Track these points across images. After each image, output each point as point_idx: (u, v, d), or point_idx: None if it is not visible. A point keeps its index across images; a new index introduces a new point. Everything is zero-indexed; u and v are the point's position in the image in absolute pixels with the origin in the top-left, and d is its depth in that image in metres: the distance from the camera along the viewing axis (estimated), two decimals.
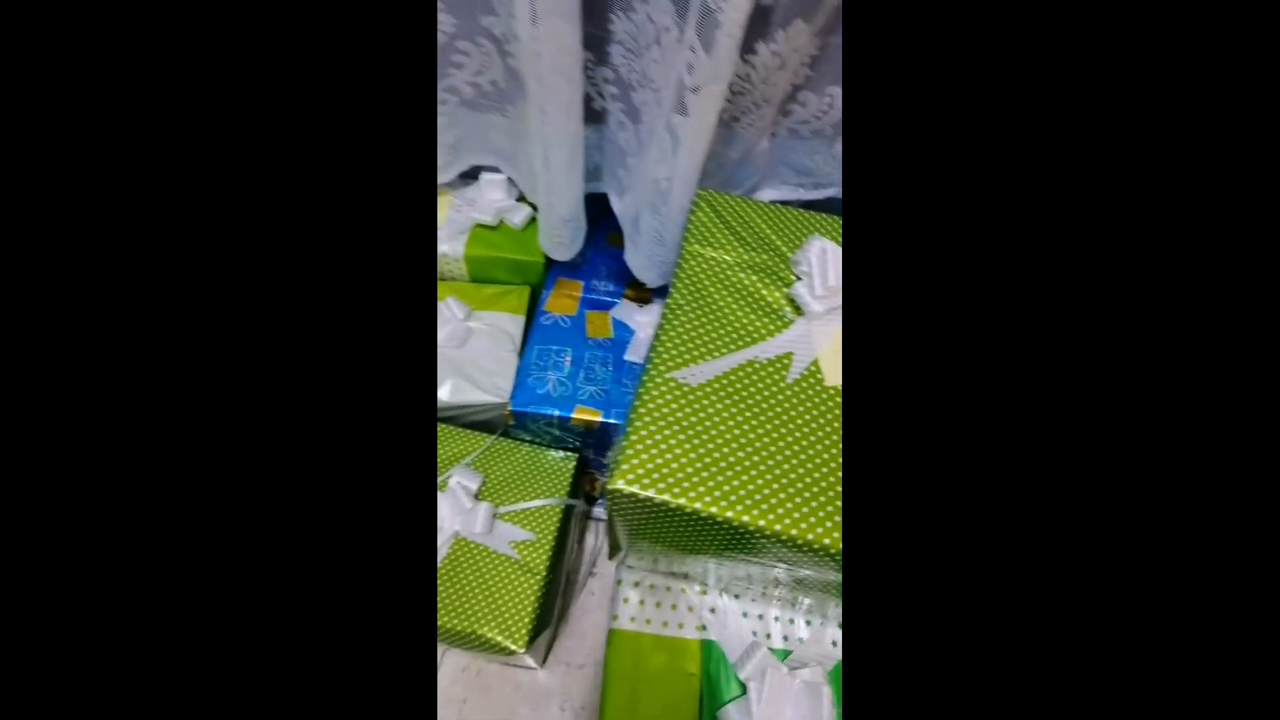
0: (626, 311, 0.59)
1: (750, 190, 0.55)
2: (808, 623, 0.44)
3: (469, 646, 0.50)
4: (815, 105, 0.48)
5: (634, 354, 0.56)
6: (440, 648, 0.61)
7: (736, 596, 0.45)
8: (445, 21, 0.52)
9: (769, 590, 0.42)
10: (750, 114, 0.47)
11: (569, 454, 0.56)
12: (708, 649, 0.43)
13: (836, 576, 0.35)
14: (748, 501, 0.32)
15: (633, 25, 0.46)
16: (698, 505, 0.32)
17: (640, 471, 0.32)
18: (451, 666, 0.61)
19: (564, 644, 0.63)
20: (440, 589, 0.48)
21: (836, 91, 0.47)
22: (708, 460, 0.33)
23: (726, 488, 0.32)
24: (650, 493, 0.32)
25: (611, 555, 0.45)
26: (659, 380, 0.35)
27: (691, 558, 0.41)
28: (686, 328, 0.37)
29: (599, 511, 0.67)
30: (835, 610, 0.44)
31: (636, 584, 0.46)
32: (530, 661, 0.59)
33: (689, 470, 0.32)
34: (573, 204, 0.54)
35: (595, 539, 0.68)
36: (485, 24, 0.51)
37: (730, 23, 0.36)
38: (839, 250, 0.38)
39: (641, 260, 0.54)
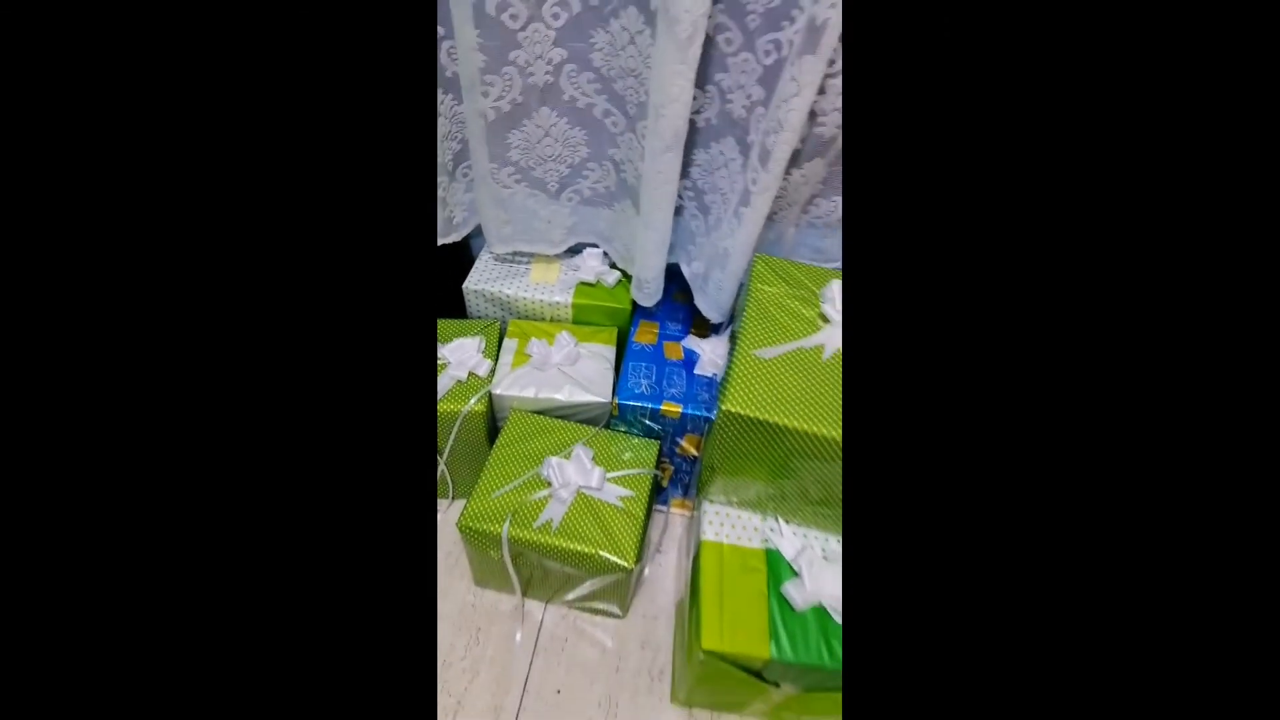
0: (693, 342, 0.82)
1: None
2: (840, 540, 0.63)
3: (585, 569, 0.67)
4: (825, 207, 0.74)
5: (701, 370, 0.78)
6: (541, 605, 0.77)
7: (788, 521, 0.64)
8: (581, 150, 0.78)
9: (811, 513, 0.62)
10: (783, 211, 0.73)
11: (653, 440, 0.76)
12: (770, 553, 0.61)
13: None
14: (811, 419, 0.53)
15: (708, 156, 0.72)
16: (775, 419, 0.53)
17: (740, 402, 0.53)
18: (553, 615, 0.77)
19: (639, 601, 0.79)
20: (568, 526, 0.67)
21: (839, 199, 0.73)
22: (780, 398, 0.54)
23: (794, 412, 0.53)
24: (747, 411, 0.53)
25: (700, 491, 0.64)
26: (744, 354, 0.57)
27: (759, 484, 0.61)
28: (758, 329, 0.59)
29: (660, 508, 0.86)
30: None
31: (717, 513, 0.65)
32: (616, 610, 0.76)
33: (769, 401, 0.53)
34: (658, 269, 0.78)
35: (663, 525, 0.86)
36: (610, 153, 0.77)
37: (780, 157, 0.62)
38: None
39: (708, 304, 0.78)
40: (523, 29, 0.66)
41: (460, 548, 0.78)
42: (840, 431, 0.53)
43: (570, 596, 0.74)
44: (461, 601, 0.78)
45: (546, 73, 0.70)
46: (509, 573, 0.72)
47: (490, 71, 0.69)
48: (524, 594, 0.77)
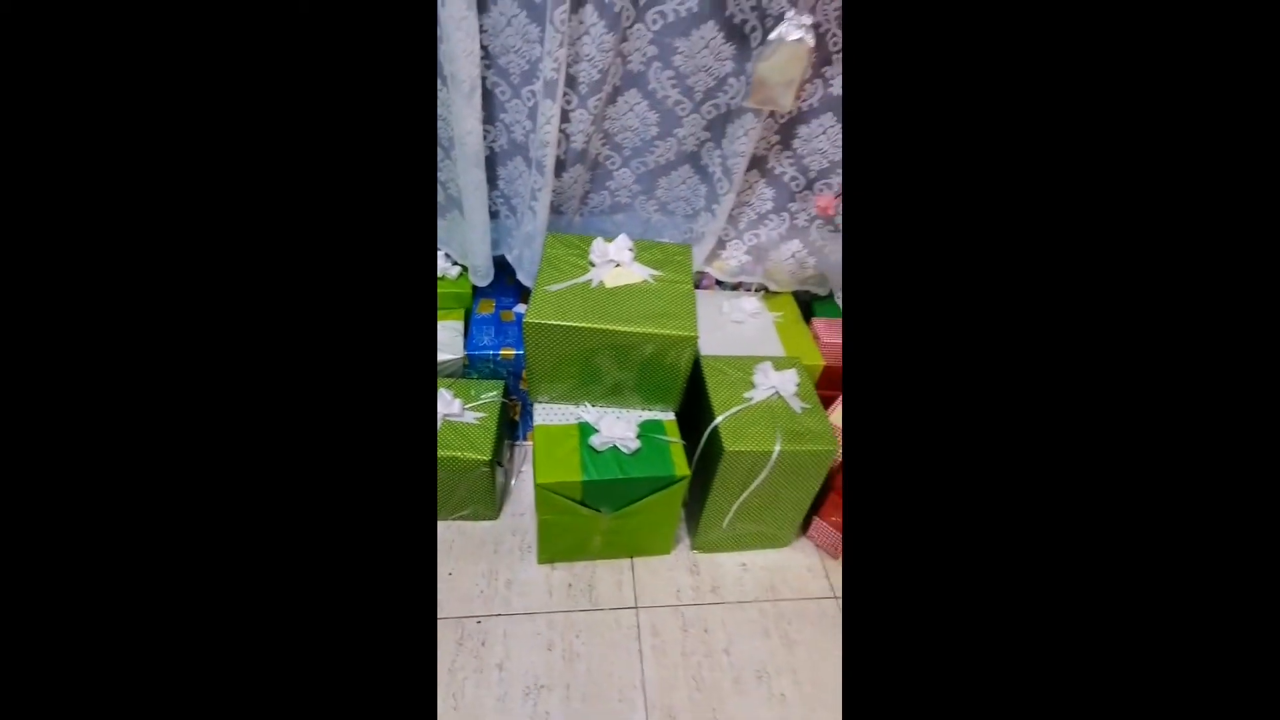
0: (522, 308, 1.09)
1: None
2: (627, 410, 0.91)
3: (455, 471, 0.90)
4: (598, 199, 1.05)
5: None
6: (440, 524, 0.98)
7: (593, 404, 0.91)
8: None
9: (603, 393, 0.90)
10: (567, 204, 1.03)
11: (499, 380, 1.01)
12: (581, 425, 0.88)
13: (660, 376, 0.84)
14: (586, 321, 0.81)
15: (507, 171, 1.00)
16: (559, 322, 0.80)
17: (536, 315, 0.80)
18: (441, 526, 0.98)
19: (508, 508, 1.02)
20: (440, 441, 0.89)
21: (607, 193, 1.04)
22: (563, 311, 0.82)
23: (574, 318, 0.81)
24: (541, 320, 0.80)
25: (530, 395, 0.90)
26: (540, 290, 0.84)
27: (566, 381, 0.88)
28: (548, 275, 0.87)
29: (520, 442, 1.10)
30: (640, 412, 0.92)
31: (543, 409, 0.91)
32: (490, 515, 0.98)
33: (555, 313, 0.81)
34: (486, 257, 1.05)
35: (523, 454, 1.10)
36: (439, 176, 1.03)
37: (549, 166, 0.91)
38: (606, 246, 0.91)
39: (525, 275, 1.05)
40: None
41: None
42: (608, 326, 0.81)
43: (453, 516, 0.96)
44: None
45: None
46: None
47: None
48: None
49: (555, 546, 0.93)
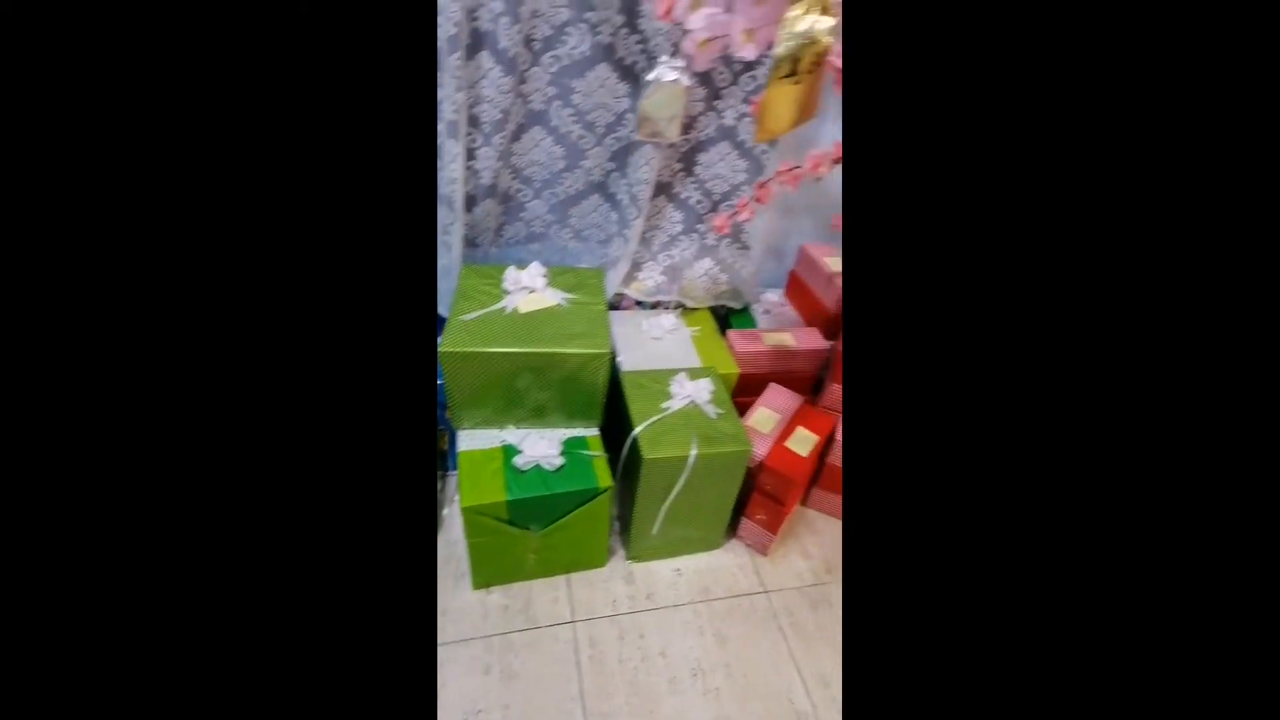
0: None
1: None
2: (551, 430, 0.94)
3: None
4: (512, 231, 1.09)
5: None
6: None
7: (517, 426, 0.94)
8: None
9: (526, 415, 0.92)
10: (481, 236, 1.06)
11: None
12: (505, 447, 0.91)
13: (579, 394, 0.87)
14: (501, 346, 0.84)
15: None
16: (475, 349, 0.83)
17: (451, 344, 0.83)
18: None
19: (441, 537, 1.03)
20: None
21: (521, 224, 1.08)
22: (479, 339, 0.85)
23: (488, 344, 0.84)
24: (456, 348, 0.82)
25: (455, 424, 0.92)
26: (454, 320, 0.87)
27: (487, 408, 0.90)
28: (462, 305, 0.90)
29: (451, 472, 1.11)
30: (564, 431, 0.95)
31: (469, 435, 0.93)
32: None
33: (470, 341, 0.84)
34: None
35: (454, 483, 1.11)
36: None
37: (457, 202, 0.95)
38: (519, 273, 0.95)
39: (445, 309, 1.08)
40: None
41: None
42: (523, 349, 0.85)
43: None
44: None
45: None
46: None
47: None
48: None
49: (488, 570, 0.94)
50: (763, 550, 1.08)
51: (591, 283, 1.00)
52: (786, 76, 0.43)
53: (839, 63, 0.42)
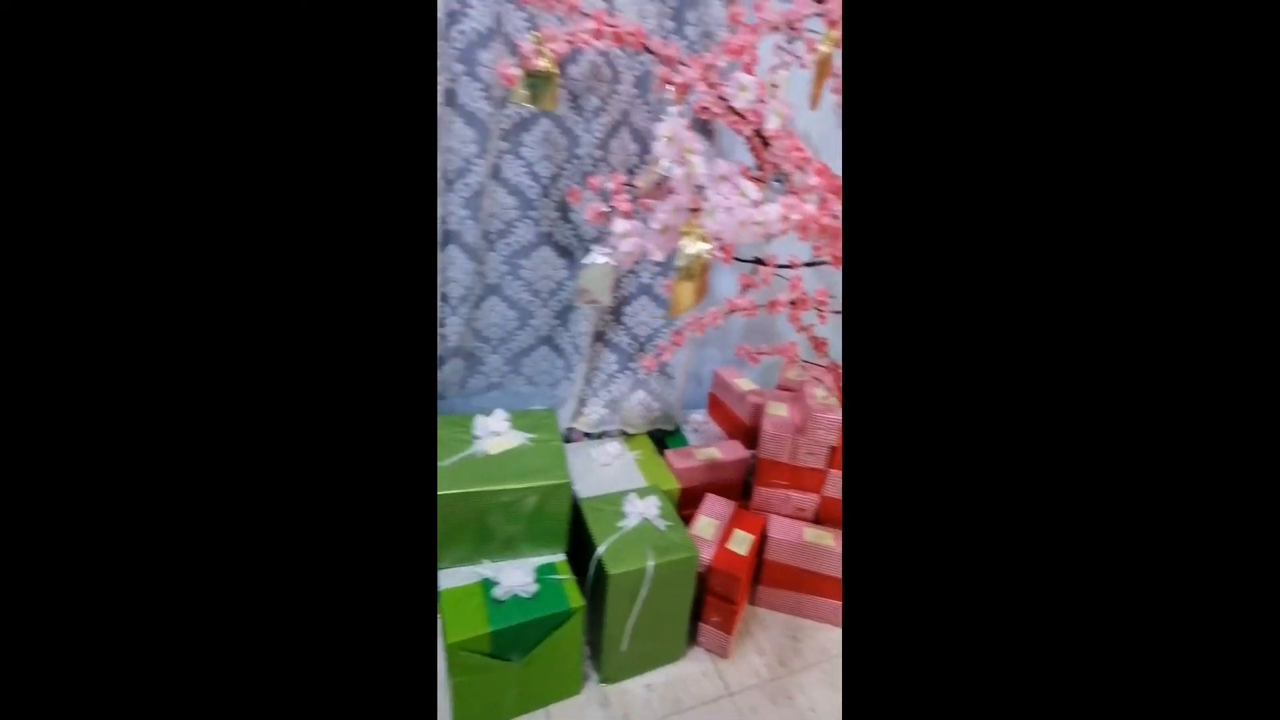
0: None
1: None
2: (522, 560, 1.01)
3: None
4: (475, 384, 1.22)
5: None
6: None
7: (492, 560, 1.00)
8: None
9: (500, 549, 0.99)
10: (450, 390, 1.18)
11: None
12: (484, 581, 0.96)
13: (545, 522, 0.96)
14: (472, 486, 0.93)
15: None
16: (452, 490, 0.92)
17: (440, 483, 0.91)
18: None
19: None
20: None
21: (485, 379, 1.22)
22: (461, 480, 0.94)
23: (464, 484, 0.93)
24: (444, 491, 0.91)
25: (438, 564, 0.97)
26: (438, 468, 0.96)
27: (464, 545, 0.97)
28: (440, 453, 1.00)
29: None
30: (534, 559, 1.02)
31: (448, 573, 0.98)
32: None
33: (454, 483, 0.93)
34: None
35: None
36: None
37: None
38: (486, 420, 1.07)
39: None
40: None
41: None
42: (495, 486, 0.94)
43: None
44: None
45: None
46: None
47: None
48: None
49: (471, 712, 0.94)
50: (722, 653, 1.15)
51: (547, 422, 1.13)
52: (686, 279, 0.63)
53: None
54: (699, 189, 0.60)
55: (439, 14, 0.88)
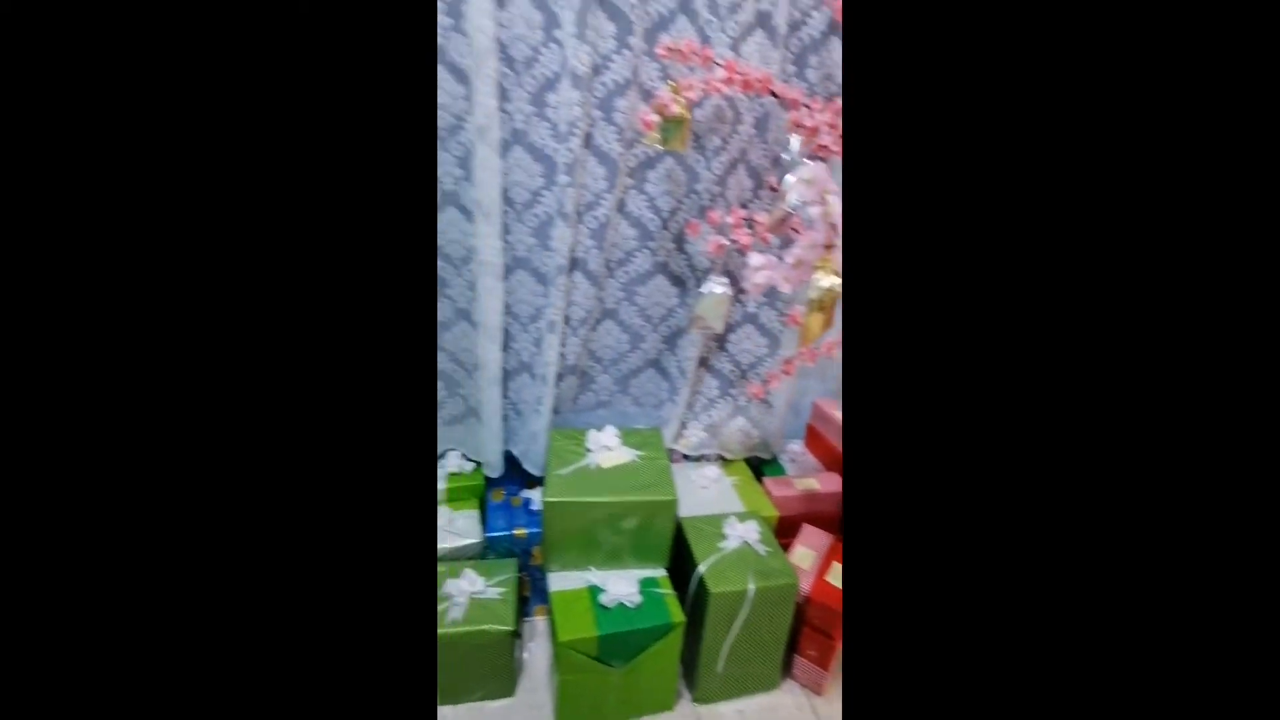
0: (527, 494, 1.26)
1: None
2: (626, 571, 1.05)
3: (480, 644, 0.98)
4: (585, 399, 1.30)
5: (535, 508, 1.21)
6: (453, 708, 1.02)
7: (599, 569, 1.06)
8: (443, 393, 1.26)
9: (605, 558, 1.05)
10: (563, 405, 1.27)
11: (513, 557, 1.14)
12: (591, 588, 1.01)
13: (650, 537, 1.02)
14: (590, 496, 1.00)
15: (517, 385, 1.25)
16: (570, 499, 0.98)
17: (553, 494, 0.98)
18: (462, 710, 1.02)
19: (522, 685, 1.08)
20: (466, 619, 0.99)
21: (592, 395, 1.30)
22: (571, 490, 1.00)
23: (579, 494, 1.00)
24: (557, 498, 0.98)
25: (546, 566, 1.04)
26: (552, 474, 1.04)
27: (574, 551, 1.03)
28: (555, 462, 1.07)
29: (526, 618, 1.19)
30: (637, 571, 1.06)
31: (557, 577, 1.04)
32: (504, 692, 1.05)
33: (566, 491, 1.00)
34: (499, 454, 1.24)
35: (532, 629, 1.18)
36: (460, 392, 1.26)
37: (550, 379, 1.17)
38: (599, 435, 1.14)
39: (532, 466, 1.24)
40: None
41: None
42: (609, 498, 1.00)
43: (469, 699, 1.02)
44: None
45: None
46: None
47: None
48: (441, 701, 1.01)
49: (574, 712, 0.99)
50: (817, 689, 1.13)
51: (654, 440, 1.19)
52: (817, 311, 0.66)
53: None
54: (832, 227, 0.63)
55: (585, 69, 0.99)
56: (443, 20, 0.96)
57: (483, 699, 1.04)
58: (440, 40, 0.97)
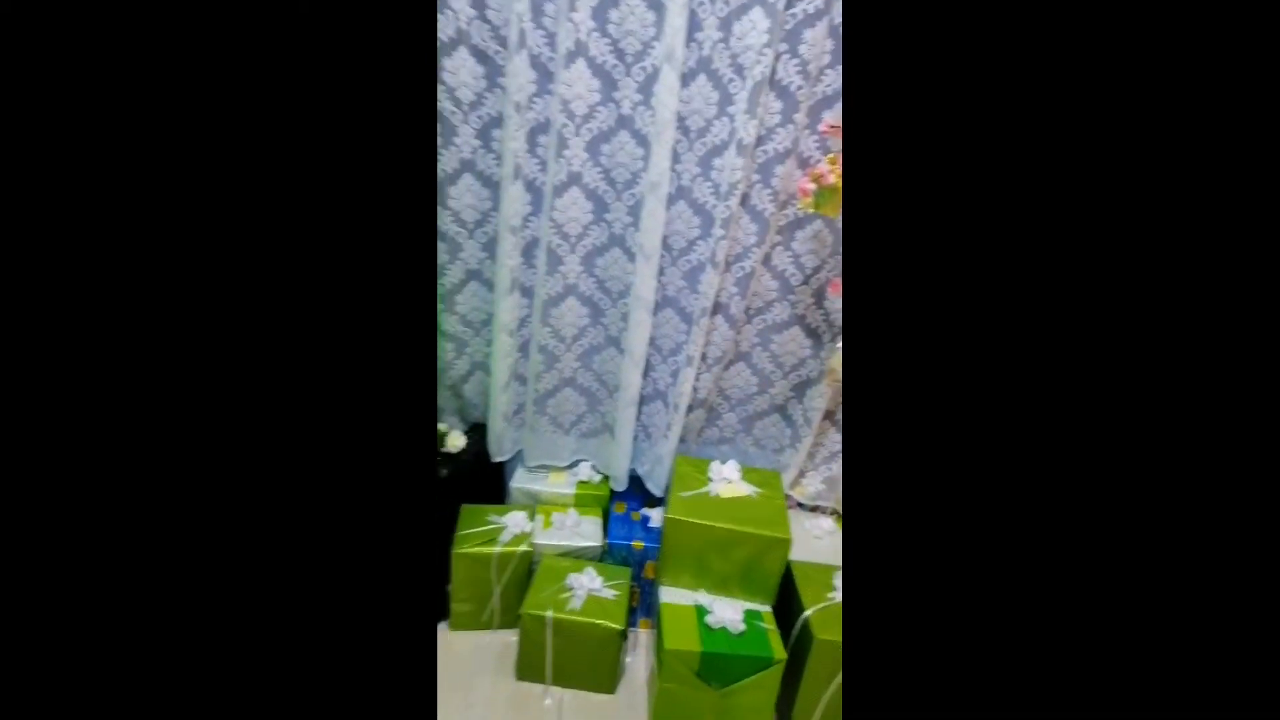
0: (646, 511, 1.36)
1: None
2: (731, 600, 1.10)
3: (592, 638, 1.08)
4: (710, 434, 1.38)
5: (653, 524, 1.30)
6: (561, 692, 1.12)
7: (709, 593, 1.11)
8: (583, 408, 1.41)
9: (715, 584, 1.10)
10: (689, 434, 1.36)
11: (627, 567, 1.23)
12: (698, 607, 1.07)
13: (758, 571, 1.07)
14: (706, 520, 1.07)
15: (650, 409, 1.37)
16: (689, 519, 1.06)
17: (675, 512, 1.07)
18: (570, 695, 1.12)
19: (622, 685, 1.16)
20: (584, 610, 1.09)
21: (718, 429, 1.38)
22: (692, 512, 1.08)
23: (698, 516, 1.07)
24: (679, 516, 1.06)
25: (658, 580, 1.12)
26: (675, 496, 1.13)
27: (689, 572, 1.10)
28: (679, 485, 1.16)
29: (631, 629, 1.27)
30: (742, 603, 1.10)
31: (668, 592, 1.11)
32: (607, 689, 1.13)
33: (687, 512, 1.08)
34: (625, 470, 1.36)
35: (634, 639, 1.26)
36: (599, 409, 1.41)
37: (682, 407, 1.27)
38: (721, 466, 1.21)
39: (654, 486, 1.34)
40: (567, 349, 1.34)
41: (507, 655, 1.15)
42: (725, 525, 1.06)
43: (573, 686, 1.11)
44: (511, 690, 1.12)
45: (571, 370, 1.37)
46: (546, 653, 1.10)
47: (546, 370, 1.34)
48: (553, 680, 1.12)
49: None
50: None
51: (773, 481, 1.23)
52: None
53: None
54: None
55: (750, 139, 1.11)
56: (633, 96, 1.14)
57: (588, 689, 1.13)
58: (628, 111, 1.15)
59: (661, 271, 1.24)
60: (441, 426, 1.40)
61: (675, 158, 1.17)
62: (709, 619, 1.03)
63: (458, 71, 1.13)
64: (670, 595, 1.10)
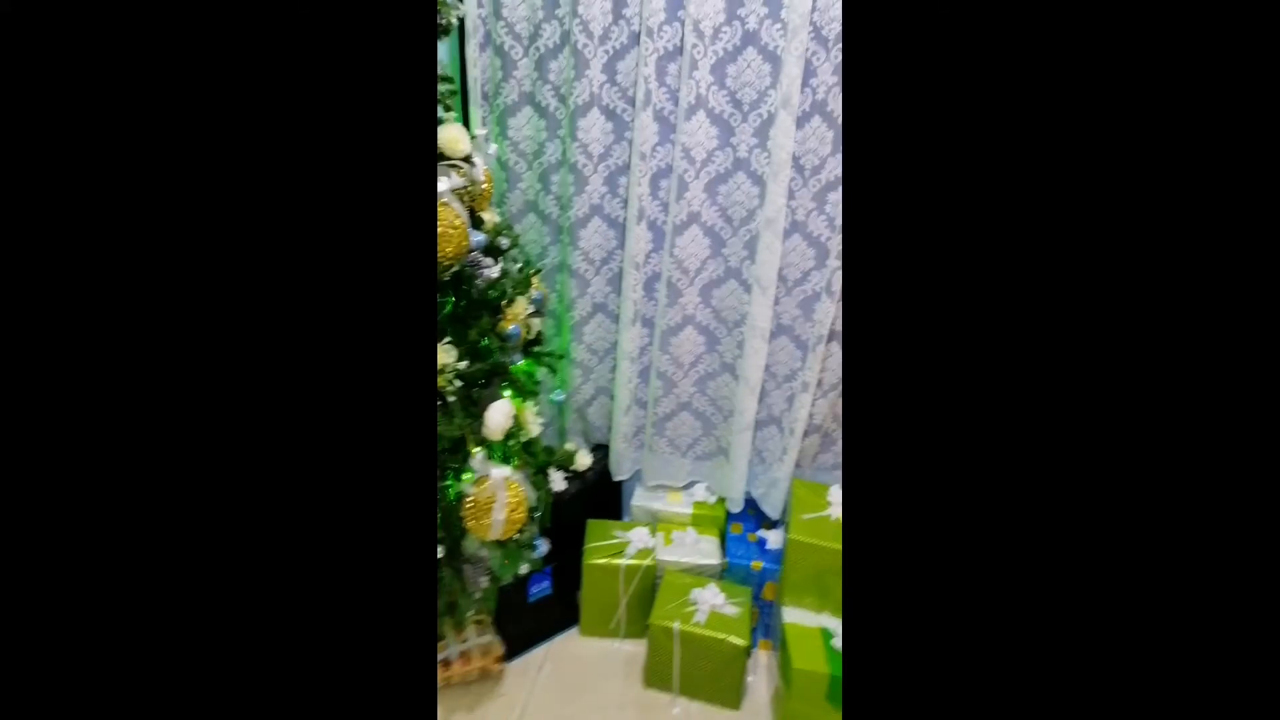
0: (763, 532, 1.39)
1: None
2: None
3: (718, 653, 1.12)
4: (824, 459, 1.40)
5: (770, 546, 1.33)
6: (688, 702, 1.17)
7: (830, 615, 1.13)
8: (699, 432, 1.48)
9: (838, 613, 1.11)
10: (803, 460, 1.38)
11: (748, 588, 1.27)
12: (822, 629, 1.09)
13: None
14: (824, 541, 1.09)
15: (764, 434, 1.41)
16: (811, 541, 1.09)
17: (797, 533, 1.10)
18: (695, 708, 1.17)
19: (745, 704, 1.19)
20: (708, 624, 1.14)
21: (830, 456, 1.39)
22: (813, 534, 1.11)
23: (818, 538, 1.09)
24: (801, 538, 1.09)
25: (780, 601, 1.14)
26: (796, 517, 1.16)
27: (811, 594, 1.12)
28: (799, 507, 1.19)
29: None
30: None
31: (790, 613, 1.14)
32: (731, 703, 1.16)
33: (808, 534, 1.10)
34: (741, 492, 1.41)
35: (754, 659, 1.28)
36: (714, 433, 1.47)
37: (798, 432, 1.30)
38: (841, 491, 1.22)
39: (770, 509, 1.37)
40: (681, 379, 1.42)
41: (634, 662, 1.22)
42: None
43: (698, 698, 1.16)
44: (638, 696, 1.19)
45: (688, 394, 1.44)
46: (674, 663, 1.16)
47: (664, 395, 1.43)
48: (680, 691, 1.18)
49: None
50: None
51: None
52: None
53: None
54: None
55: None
56: (749, 140, 1.22)
57: (713, 703, 1.17)
58: (744, 154, 1.23)
59: (776, 301, 1.29)
60: (569, 446, 1.52)
61: (790, 194, 1.22)
62: (835, 642, 1.05)
63: (590, 129, 1.27)
64: (794, 616, 1.13)
